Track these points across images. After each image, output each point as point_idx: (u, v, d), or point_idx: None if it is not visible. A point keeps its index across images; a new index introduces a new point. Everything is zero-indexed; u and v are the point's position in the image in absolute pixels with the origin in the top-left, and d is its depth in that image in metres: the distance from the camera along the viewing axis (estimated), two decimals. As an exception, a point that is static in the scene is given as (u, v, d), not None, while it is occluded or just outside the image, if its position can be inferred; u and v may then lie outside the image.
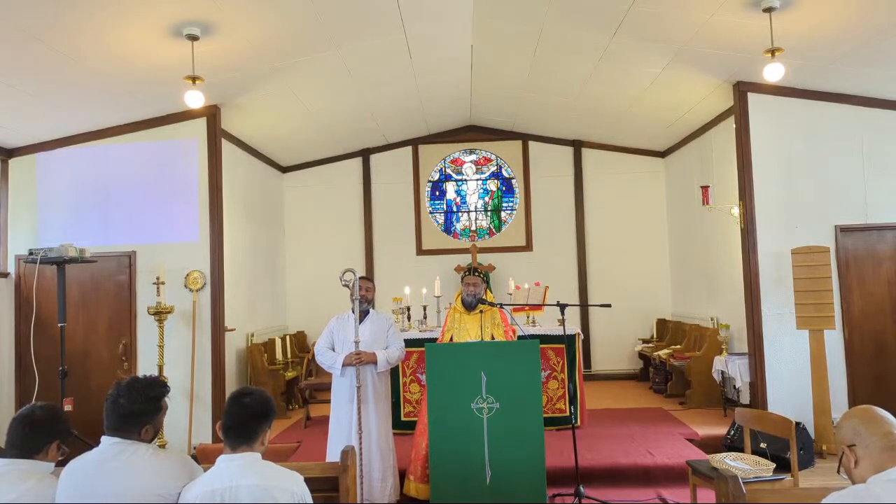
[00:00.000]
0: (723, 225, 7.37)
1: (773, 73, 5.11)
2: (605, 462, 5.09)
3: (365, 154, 9.88)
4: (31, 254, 5.18)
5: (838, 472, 1.92)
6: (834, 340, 6.02)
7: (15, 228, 6.53)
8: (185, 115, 6.34)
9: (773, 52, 5.04)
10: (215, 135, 6.45)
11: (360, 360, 4.41)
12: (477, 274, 4.87)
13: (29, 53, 4.83)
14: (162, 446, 5.61)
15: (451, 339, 4.78)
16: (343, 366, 4.47)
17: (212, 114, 6.40)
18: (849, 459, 1.84)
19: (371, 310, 4.73)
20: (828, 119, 6.26)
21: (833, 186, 6.22)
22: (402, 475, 4.76)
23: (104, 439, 2.31)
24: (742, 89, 6.28)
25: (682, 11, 5.12)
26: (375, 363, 4.52)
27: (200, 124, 6.43)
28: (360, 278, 4.61)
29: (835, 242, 6.16)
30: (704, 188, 7.15)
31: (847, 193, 6.22)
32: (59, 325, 5.21)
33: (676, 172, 9.27)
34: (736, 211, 6.57)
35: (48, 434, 2.35)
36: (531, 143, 9.91)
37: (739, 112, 6.31)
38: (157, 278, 6.03)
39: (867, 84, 6.06)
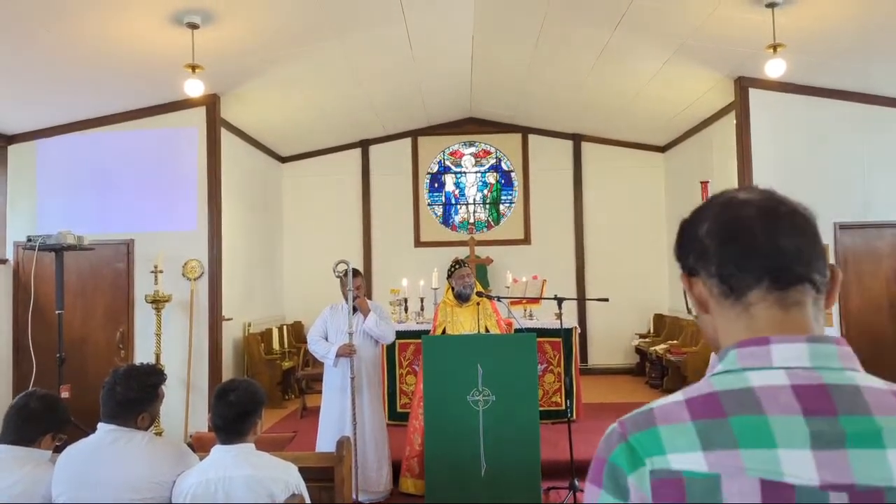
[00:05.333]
0: (721, 221, 7.37)
1: (775, 68, 5.10)
2: (600, 455, 5.10)
3: (364, 145, 9.85)
4: (29, 240, 5.17)
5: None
6: (830, 337, 6.03)
7: (13, 215, 6.51)
8: (185, 104, 6.31)
9: (774, 47, 5.03)
10: (215, 124, 6.42)
11: (352, 349, 4.41)
12: (466, 265, 4.88)
13: (29, 41, 4.81)
14: (158, 434, 5.63)
15: (444, 332, 4.78)
16: (336, 356, 4.49)
17: (211, 103, 6.38)
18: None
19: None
20: (828, 116, 6.25)
21: (833, 183, 6.22)
22: (397, 468, 4.78)
23: (100, 426, 2.31)
24: (743, 85, 6.26)
25: (684, 6, 5.10)
26: (366, 314, 4.55)
27: (200, 113, 6.40)
28: (353, 272, 4.62)
29: (834, 240, 6.16)
30: (704, 183, 7.14)
31: (847, 191, 6.22)
32: (57, 312, 5.21)
33: (676, 167, 9.26)
34: (735, 207, 6.57)
35: (42, 426, 2.34)
36: (531, 137, 9.88)
37: (740, 108, 6.29)
38: (155, 266, 6.02)
39: (868, 81, 6.04)
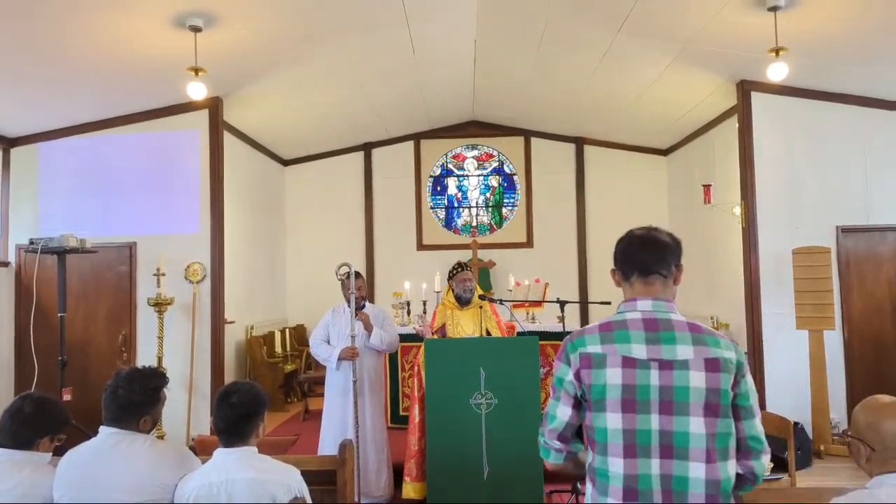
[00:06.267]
0: (724, 224, 7.36)
1: (777, 72, 5.09)
2: (602, 459, 5.09)
3: (366, 148, 9.87)
4: (31, 243, 5.17)
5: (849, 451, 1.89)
6: (833, 341, 6.01)
7: (16, 218, 6.52)
8: (187, 107, 6.32)
9: (777, 51, 5.02)
10: (217, 126, 6.43)
11: (354, 352, 4.41)
12: (467, 268, 4.87)
13: (31, 43, 4.82)
14: (160, 437, 5.63)
15: (444, 333, 4.78)
16: (339, 360, 4.49)
17: (214, 105, 6.39)
18: (860, 453, 1.81)
19: (366, 303, 4.74)
20: (831, 119, 6.24)
21: (835, 187, 6.21)
22: (399, 471, 4.76)
23: (102, 429, 2.31)
24: (746, 88, 6.25)
25: (687, 9, 5.10)
26: (370, 331, 4.52)
27: (202, 116, 6.41)
28: (355, 274, 4.62)
29: (836, 243, 6.15)
30: (706, 187, 7.14)
31: (849, 194, 6.21)
32: (59, 315, 5.21)
33: (678, 171, 9.25)
34: (737, 210, 6.56)
35: (39, 429, 2.32)
36: (533, 140, 9.89)
37: (742, 111, 6.29)
38: (158, 269, 6.03)
39: (871, 84, 6.04)
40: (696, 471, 1.64)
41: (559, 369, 1.81)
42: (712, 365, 1.69)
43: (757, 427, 1.76)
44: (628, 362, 1.70)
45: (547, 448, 1.84)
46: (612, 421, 1.69)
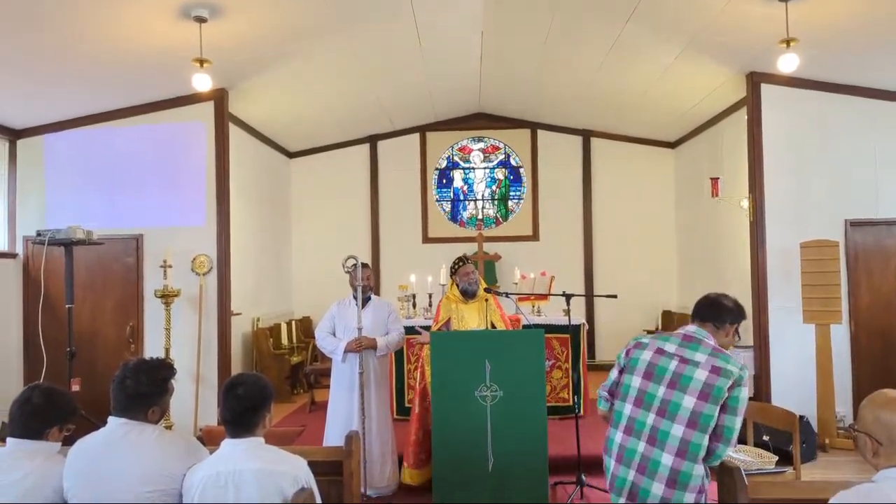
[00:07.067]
0: (731, 218, 7.33)
1: (788, 63, 5.05)
2: (607, 452, 5.10)
3: (372, 140, 9.85)
4: (38, 235, 5.19)
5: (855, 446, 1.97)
6: (840, 335, 5.99)
7: (23, 210, 6.55)
8: (193, 99, 6.32)
9: (787, 42, 4.98)
10: (222, 118, 6.43)
11: (360, 345, 4.43)
12: (469, 262, 4.88)
13: (36, 35, 4.82)
14: (168, 427, 5.67)
15: (448, 328, 4.78)
16: (345, 352, 4.50)
17: (219, 97, 6.39)
18: (866, 447, 1.82)
19: (372, 296, 4.74)
20: (841, 111, 6.19)
21: (844, 180, 6.16)
22: (402, 461, 4.80)
23: (111, 420, 2.32)
24: (755, 80, 6.20)
25: (696, 0, 5.05)
26: (375, 348, 4.54)
27: (208, 108, 6.41)
28: (362, 265, 4.62)
29: (844, 237, 6.11)
30: (714, 180, 7.10)
31: (858, 187, 6.16)
32: (67, 306, 5.24)
33: (686, 164, 9.20)
34: (745, 204, 6.52)
35: (46, 420, 2.33)
36: (540, 132, 9.86)
37: (752, 103, 6.24)
38: (164, 261, 6.05)
39: (882, 76, 5.98)
40: (667, 456, 2.42)
41: (620, 352, 2.77)
42: (715, 370, 2.44)
43: (735, 423, 2.41)
44: (660, 351, 2.60)
45: (600, 397, 2.82)
46: (634, 381, 2.60)
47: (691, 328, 2.62)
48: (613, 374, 2.73)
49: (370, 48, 6.39)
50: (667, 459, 2.37)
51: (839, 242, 5.96)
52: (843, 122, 6.19)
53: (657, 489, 2.37)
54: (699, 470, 2.37)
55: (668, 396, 2.44)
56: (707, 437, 2.38)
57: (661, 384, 2.48)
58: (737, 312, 2.67)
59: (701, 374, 2.41)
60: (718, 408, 2.37)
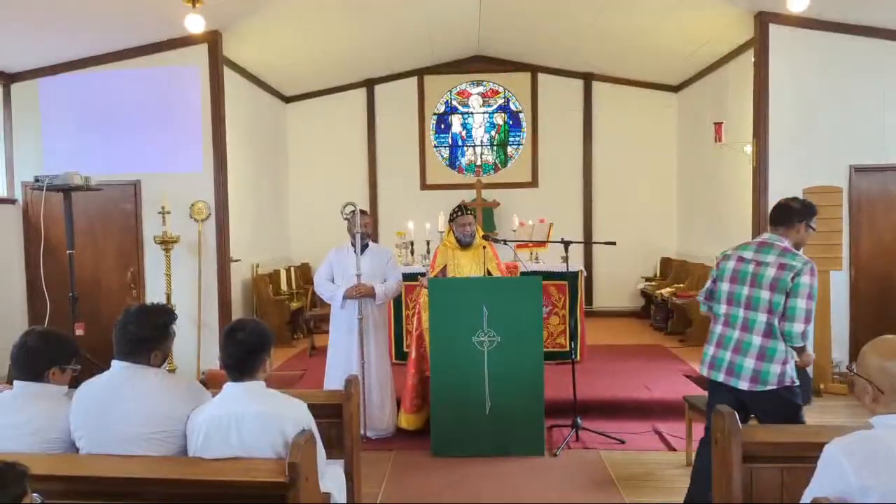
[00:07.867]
0: (734, 163, 7.25)
1: (798, 2, 4.89)
2: (602, 396, 5.21)
3: (369, 84, 9.65)
4: (37, 181, 5.16)
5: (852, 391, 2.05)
6: (839, 281, 6.01)
7: (20, 155, 6.48)
8: (187, 41, 6.15)
9: (798, -20, 4.80)
10: (217, 62, 6.27)
11: (359, 293, 4.46)
12: (468, 212, 4.86)
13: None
14: (172, 371, 5.78)
15: (445, 274, 4.80)
16: (343, 298, 4.53)
17: (213, 40, 6.21)
18: (866, 392, 1.80)
19: (370, 243, 4.74)
20: (850, 53, 6.01)
21: (851, 124, 6.04)
22: (399, 407, 4.91)
23: (115, 363, 2.36)
24: (763, 20, 6.01)
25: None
26: (374, 296, 4.57)
27: (202, 51, 6.24)
28: (360, 212, 4.60)
29: (848, 183, 6.05)
30: (718, 125, 6.99)
31: (865, 132, 6.04)
32: (68, 252, 5.26)
33: (689, 108, 9.04)
34: (749, 149, 6.43)
35: (42, 361, 2.38)
36: (540, 76, 9.64)
37: (759, 44, 6.06)
38: (163, 208, 6.03)
39: (893, 15, 5.77)
40: (756, 337, 3.05)
41: (713, 267, 3.34)
42: (781, 266, 3.01)
43: (797, 304, 2.95)
44: (740, 259, 3.17)
45: (701, 302, 3.39)
46: (724, 286, 3.20)
47: (766, 235, 3.17)
48: (708, 283, 3.34)
49: (367, -13, 6.17)
50: (756, 340, 3.05)
51: (842, 189, 5.91)
52: (852, 65, 6.03)
53: (749, 363, 3.05)
54: (781, 346, 3.01)
55: (751, 293, 3.07)
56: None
57: (745, 284, 3.10)
58: (802, 211, 3.13)
59: (770, 272, 3.01)
60: (784, 295, 2.96)
